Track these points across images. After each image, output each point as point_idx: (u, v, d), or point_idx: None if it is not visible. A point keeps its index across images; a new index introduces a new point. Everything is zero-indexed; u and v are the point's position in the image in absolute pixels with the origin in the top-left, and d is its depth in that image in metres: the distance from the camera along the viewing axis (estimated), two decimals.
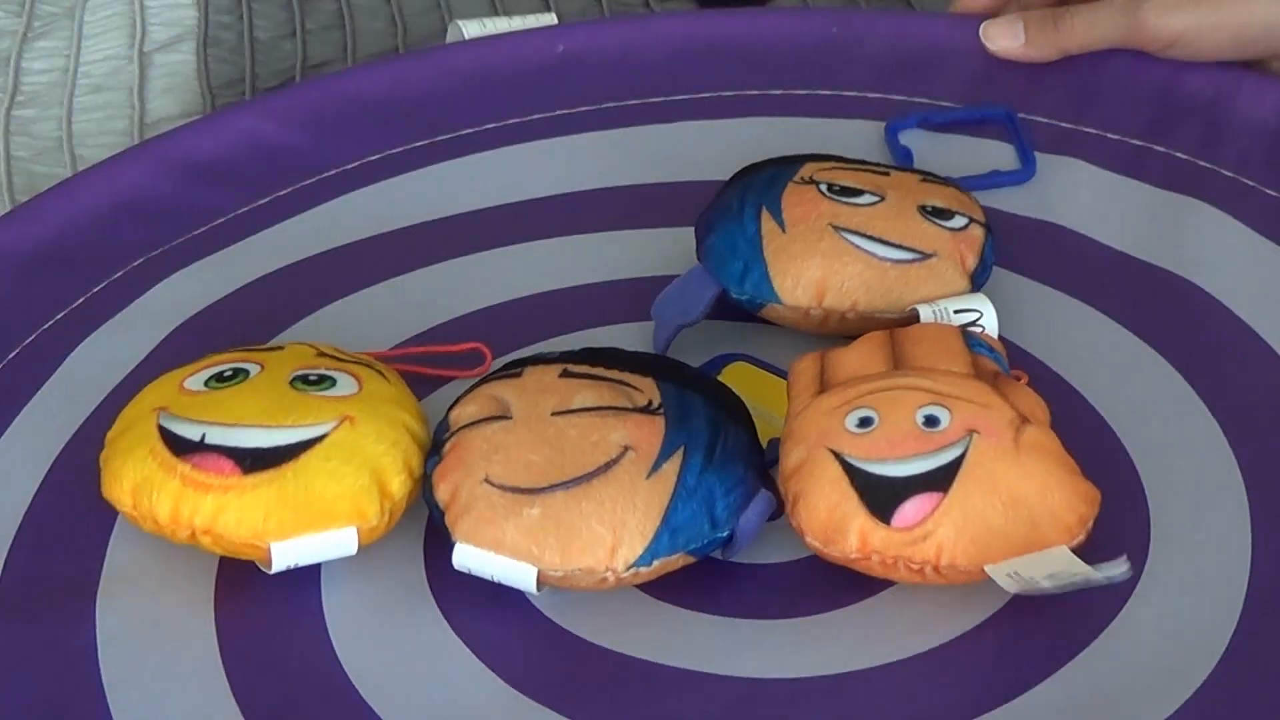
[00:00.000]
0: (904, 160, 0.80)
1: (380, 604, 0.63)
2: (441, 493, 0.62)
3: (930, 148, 0.80)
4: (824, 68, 0.86)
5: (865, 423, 0.60)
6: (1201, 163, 0.78)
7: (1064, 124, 0.80)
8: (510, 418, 0.63)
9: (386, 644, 0.62)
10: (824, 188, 0.71)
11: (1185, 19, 0.79)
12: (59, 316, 0.76)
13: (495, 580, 0.61)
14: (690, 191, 0.78)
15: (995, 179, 0.78)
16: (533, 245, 0.78)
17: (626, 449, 0.61)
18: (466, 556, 0.61)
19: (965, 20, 0.86)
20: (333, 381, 0.65)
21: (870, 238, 0.69)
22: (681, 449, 0.61)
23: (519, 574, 0.61)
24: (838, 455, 0.60)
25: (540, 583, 0.61)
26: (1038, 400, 0.62)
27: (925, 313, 0.68)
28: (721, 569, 0.63)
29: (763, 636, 0.61)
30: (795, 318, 0.70)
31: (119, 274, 0.78)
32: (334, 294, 0.76)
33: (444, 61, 0.89)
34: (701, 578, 0.63)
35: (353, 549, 0.62)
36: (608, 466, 0.61)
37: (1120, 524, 0.63)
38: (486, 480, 0.61)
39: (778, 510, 0.62)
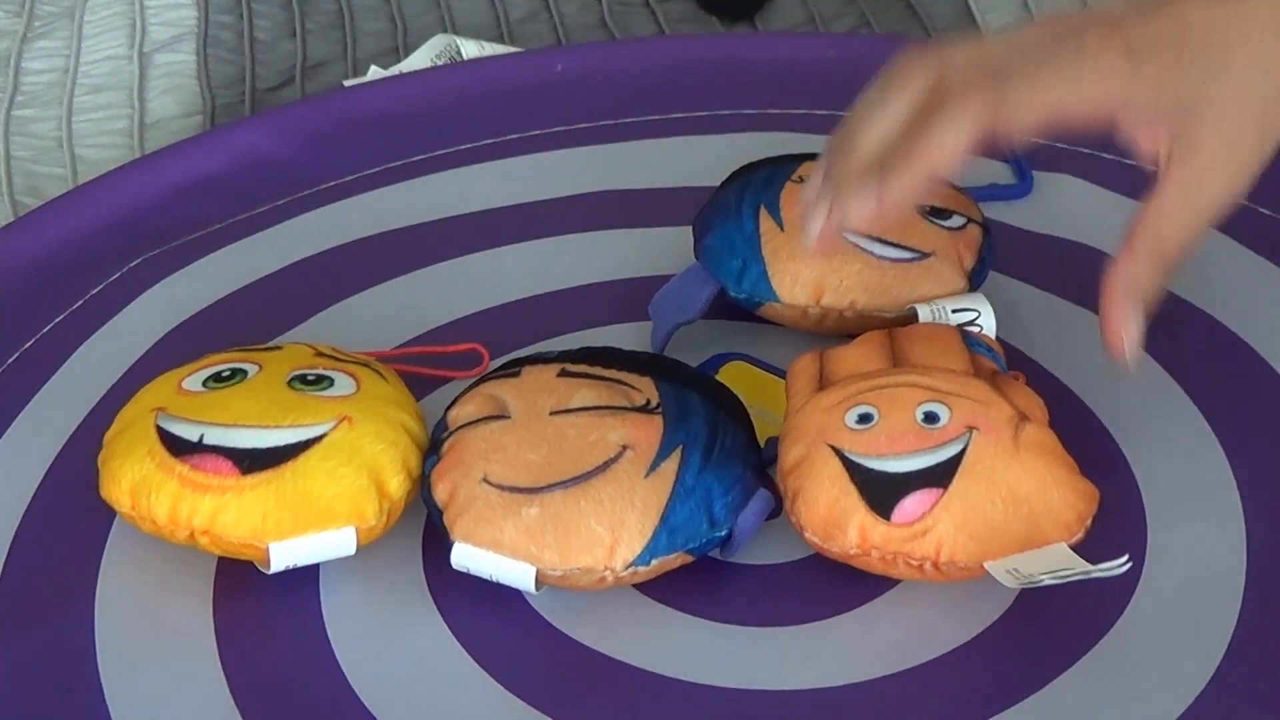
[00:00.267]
0: None
1: (379, 604, 0.63)
2: (440, 492, 0.62)
3: None
4: (821, 89, 0.86)
5: (865, 419, 0.60)
6: None
7: (1059, 144, 0.80)
8: (509, 417, 0.63)
9: (385, 644, 0.62)
10: None
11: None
12: (58, 319, 0.76)
13: (494, 580, 0.61)
14: (687, 193, 0.78)
15: (993, 192, 0.78)
16: (529, 246, 0.79)
17: (625, 448, 0.61)
18: (465, 556, 0.61)
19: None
20: (331, 382, 0.65)
21: (868, 236, 0.69)
22: (680, 448, 0.61)
23: (518, 573, 0.60)
24: (837, 451, 0.60)
25: (539, 582, 0.61)
26: (1036, 399, 0.62)
27: (923, 312, 0.68)
28: (719, 569, 0.63)
29: (759, 644, 0.61)
30: (793, 316, 0.70)
31: (117, 275, 0.79)
32: (332, 296, 0.76)
33: (443, 80, 0.90)
34: (699, 578, 0.63)
35: (351, 549, 0.62)
36: (606, 466, 0.61)
37: (1116, 526, 0.63)
38: (485, 480, 0.61)
39: (776, 509, 0.62)
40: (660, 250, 0.76)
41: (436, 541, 0.63)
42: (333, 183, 0.83)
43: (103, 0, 1.08)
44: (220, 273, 0.78)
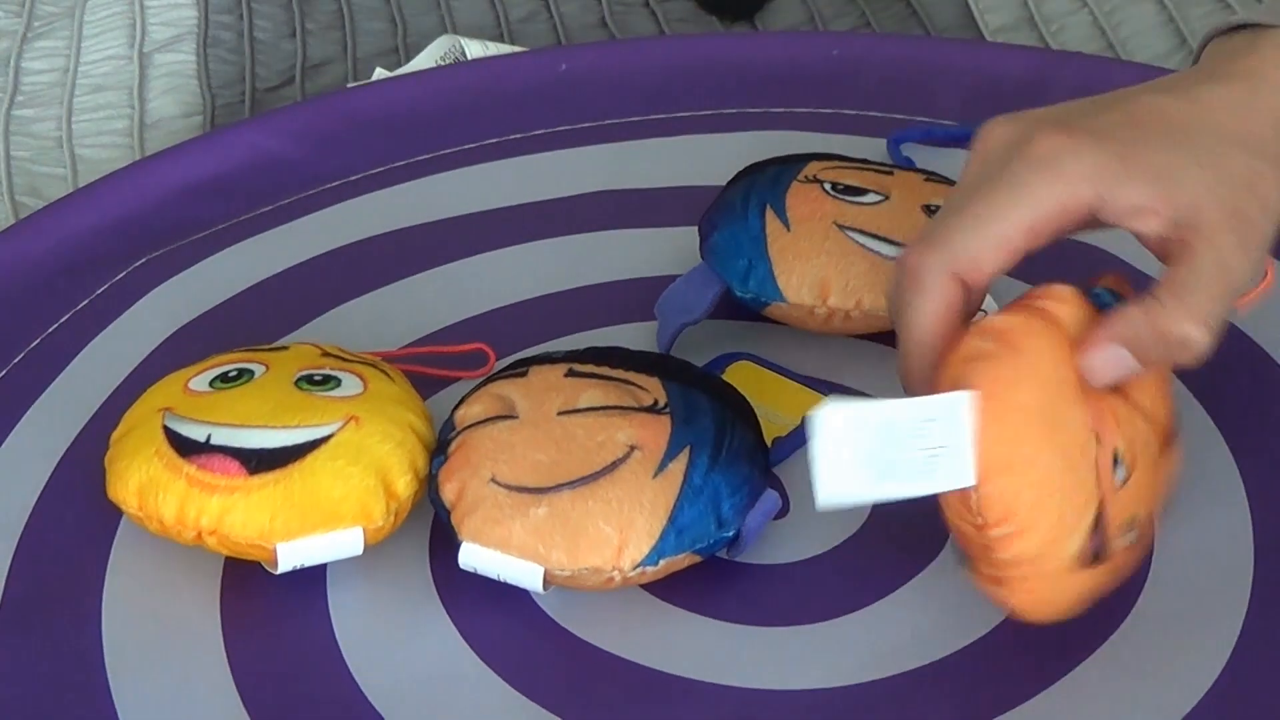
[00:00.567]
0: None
1: (386, 604, 0.63)
2: (447, 492, 0.62)
3: (931, 162, 0.80)
4: (825, 88, 0.86)
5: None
6: None
7: None
8: (516, 417, 0.63)
9: (392, 644, 0.62)
10: (828, 187, 0.71)
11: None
12: (63, 320, 0.76)
13: (501, 580, 0.61)
14: (693, 193, 0.78)
15: None
16: (535, 246, 0.79)
17: (633, 448, 0.61)
18: (473, 556, 0.61)
19: (964, 43, 0.86)
20: (338, 382, 0.65)
21: (875, 236, 0.69)
22: (688, 448, 0.61)
23: (526, 573, 0.60)
24: None
25: (547, 582, 0.61)
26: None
27: None
28: (727, 569, 0.63)
29: (767, 644, 0.61)
30: (799, 316, 0.70)
31: (121, 276, 0.78)
32: (338, 296, 0.76)
33: (448, 80, 0.90)
34: (707, 578, 0.63)
35: (358, 549, 0.62)
36: (614, 466, 0.61)
37: None
38: (493, 480, 0.61)
39: (783, 509, 0.62)
40: (666, 250, 0.76)
41: (444, 542, 0.63)
42: (338, 183, 0.83)
43: (103, 0, 1.08)
44: (225, 273, 0.78)
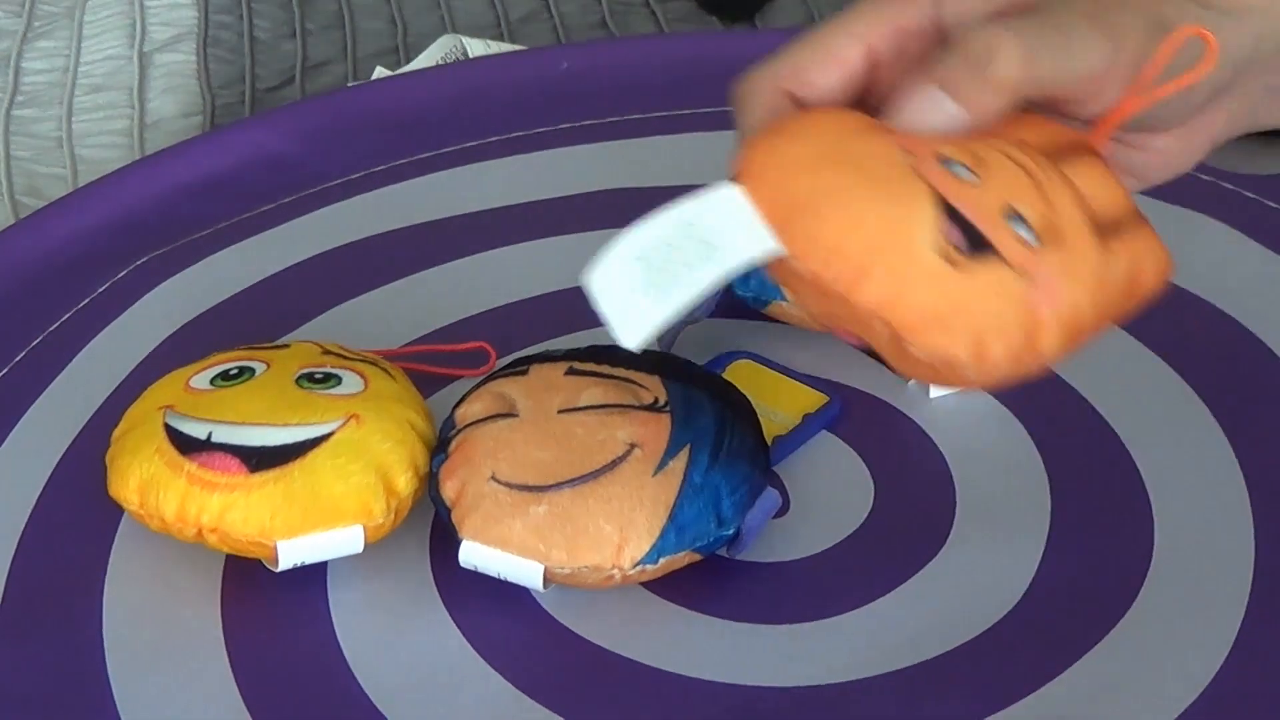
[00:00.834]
0: None
1: (386, 602, 0.63)
2: (448, 490, 0.62)
3: None
4: None
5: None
6: (1204, 177, 0.78)
7: None
8: (516, 415, 0.63)
9: (392, 642, 0.62)
10: None
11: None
12: (64, 318, 0.76)
13: (502, 578, 0.61)
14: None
15: None
16: (536, 244, 0.79)
17: (633, 446, 0.61)
18: (473, 554, 0.61)
19: None
20: (338, 380, 0.65)
21: None
22: (688, 447, 0.61)
23: (526, 571, 0.61)
24: None
25: (547, 580, 0.61)
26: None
27: None
28: (727, 567, 0.63)
29: (767, 642, 0.61)
30: (800, 315, 0.70)
31: (122, 274, 0.79)
32: (339, 294, 0.77)
33: (449, 78, 0.90)
34: (707, 576, 0.63)
35: (359, 547, 0.62)
36: (614, 464, 0.61)
37: (1122, 520, 0.63)
38: (493, 478, 0.61)
39: (783, 507, 0.62)
40: None
41: (444, 539, 0.63)
42: (339, 181, 0.83)
43: (103, 0, 1.08)
44: (226, 272, 0.78)
